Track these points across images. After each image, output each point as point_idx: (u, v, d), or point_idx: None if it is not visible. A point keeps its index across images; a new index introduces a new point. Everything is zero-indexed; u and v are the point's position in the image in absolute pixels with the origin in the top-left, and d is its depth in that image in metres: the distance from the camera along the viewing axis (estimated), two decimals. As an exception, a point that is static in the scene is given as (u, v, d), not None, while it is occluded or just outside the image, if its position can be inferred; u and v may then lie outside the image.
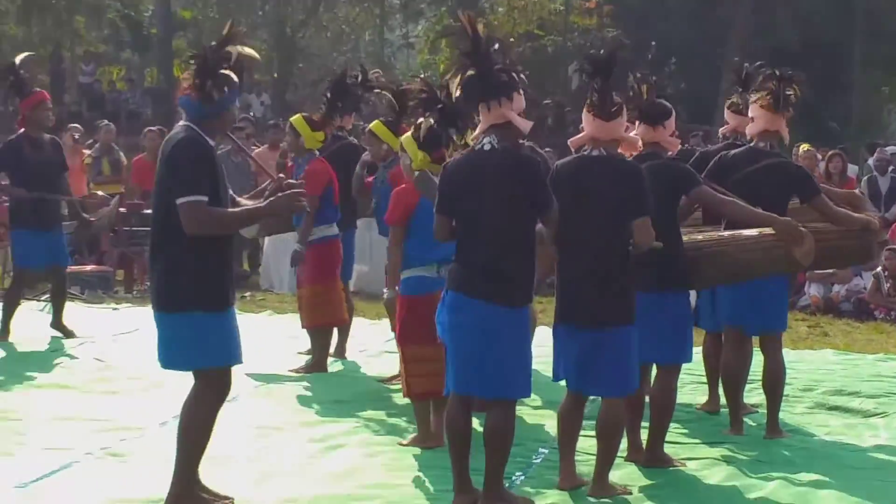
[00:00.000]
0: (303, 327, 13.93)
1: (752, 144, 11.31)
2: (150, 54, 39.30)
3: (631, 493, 9.47)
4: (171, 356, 8.59)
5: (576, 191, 8.95)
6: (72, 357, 14.35)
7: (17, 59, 16.32)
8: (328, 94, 14.43)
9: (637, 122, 10.22)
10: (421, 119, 10.25)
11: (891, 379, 14.00)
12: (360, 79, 15.15)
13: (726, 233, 10.42)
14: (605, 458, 9.42)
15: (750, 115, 11.38)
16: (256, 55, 8.81)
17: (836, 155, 21.81)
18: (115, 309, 17.75)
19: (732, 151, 11.35)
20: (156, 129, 24.35)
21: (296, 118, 13.94)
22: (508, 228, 8.76)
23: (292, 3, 42.24)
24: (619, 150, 9.75)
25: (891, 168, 23.16)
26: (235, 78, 8.38)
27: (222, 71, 8.28)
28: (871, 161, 24.14)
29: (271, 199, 8.63)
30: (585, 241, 9.06)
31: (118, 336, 15.46)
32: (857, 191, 20.48)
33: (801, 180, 11.02)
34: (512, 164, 8.84)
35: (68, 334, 15.22)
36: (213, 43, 8.64)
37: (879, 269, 19.28)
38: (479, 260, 8.82)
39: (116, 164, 22.76)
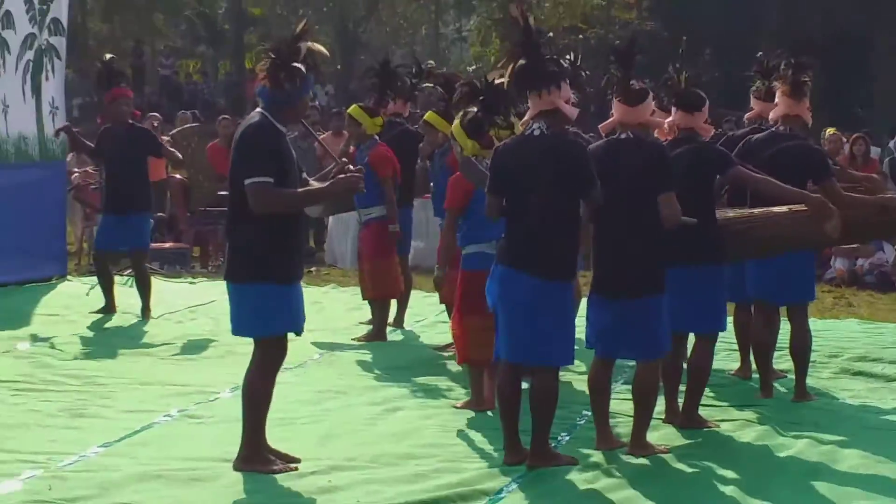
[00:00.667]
0: (363, 299, 14.03)
1: (774, 129, 11.36)
2: (223, 48, 39.34)
3: (668, 452, 9.45)
4: (239, 323, 8.76)
5: (605, 171, 8.91)
6: (153, 327, 14.36)
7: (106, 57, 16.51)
8: (376, 80, 14.61)
9: (674, 109, 10.22)
10: (466, 110, 10.36)
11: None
12: (414, 70, 15.33)
13: (756, 210, 10.40)
14: (642, 420, 9.46)
15: (775, 101, 11.44)
16: (325, 51, 8.97)
17: (860, 138, 21.78)
18: (192, 283, 17.84)
19: (756, 136, 11.44)
20: (229, 118, 24.52)
21: (353, 108, 14.08)
22: (554, 207, 8.80)
23: (374, 12, 42.29)
24: (657, 134, 9.86)
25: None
26: (306, 71, 8.55)
27: (294, 64, 8.44)
28: (892, 144, 24.19)
29: (333, 180, 8.75)
30: (616, 217, 9.07)
31: (195, 308, 15.52)
32: (880, 171, 20.71)
33: (816, 164, 10.96)
34: (559, 148, 8.91)
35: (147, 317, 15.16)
36: (287, 38, 8.89)
37: (897, 236, 19.23)
38: (526, 236, 8.87)
39: (190, 152, 22.91)
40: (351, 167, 9.03)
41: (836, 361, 12.71)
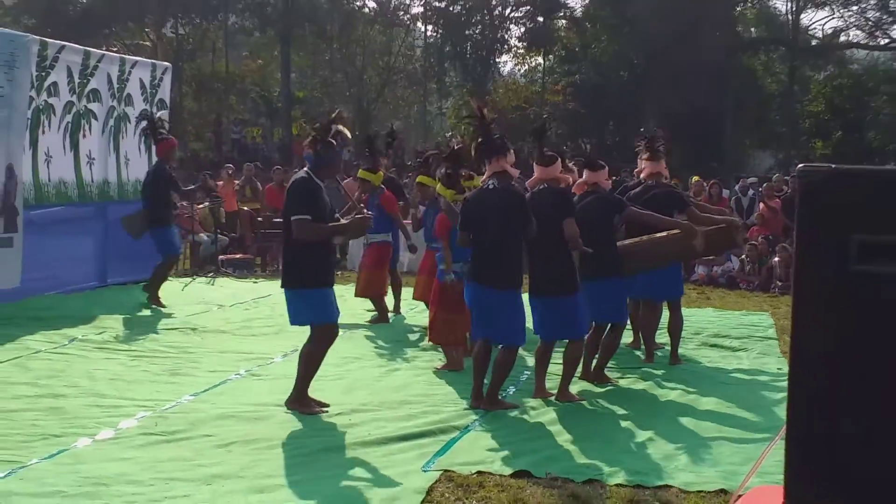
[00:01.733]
0: (355, 296, 14.13)
1: (643, 182, 11.64)
2: (277, 120, 39.24)
3: (584, 400, 9.67)
4: (296, 317, 9.01)
5: (532, 212, 9.20)
6: (228, 313, 14.37)
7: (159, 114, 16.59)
8: (367, 148, 14.64)
9: (585, 170, 10.65)
10: (443, 170, 11.03)
11: (749, 327, 14.05)
12: (392, 137, 15.91)
13: (645, 237, 10.68)
14: (567, 377, 9.78)
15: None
16: (348, 133, 9.30)
17: (715, 183, 22.23)
18: (255, 282, 17.72)
19: (632, 189, 11.71)
20: (280, 168, 24.54)
21: (361, 172, 14.23)
22: (504, 239, 9.18)
23: (367, 87, 41.99)
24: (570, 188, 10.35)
25: (750, 192, 23.38)
26: (336, 144, 8.99)
27: (329, 139, 8.92)
28: (737, 187, 24.48)
29: (350, 219, 9.18)
30: (539, 241, 9.33)
31: (257, 300, 15.47)
32: (728, 206, 21.11)
33: (676, 200, 11.28)
34: (507, 198, 9.24)
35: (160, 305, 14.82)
36: (324, 121, 9.30)
37: (744, 255, 19.54)
38: (487, 261, 9.26)
39: (255, 190, 22.84)
40: (365, 211, 9.49)
41: (698, 337, 12.86)
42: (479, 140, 9.69)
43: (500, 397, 9.50)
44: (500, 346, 9.51)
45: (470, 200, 9.59)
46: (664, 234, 10.80)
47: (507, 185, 9.39)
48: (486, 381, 9.31)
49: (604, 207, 10.30)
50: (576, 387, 9.99)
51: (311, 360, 9.01)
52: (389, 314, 14.22)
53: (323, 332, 9.01)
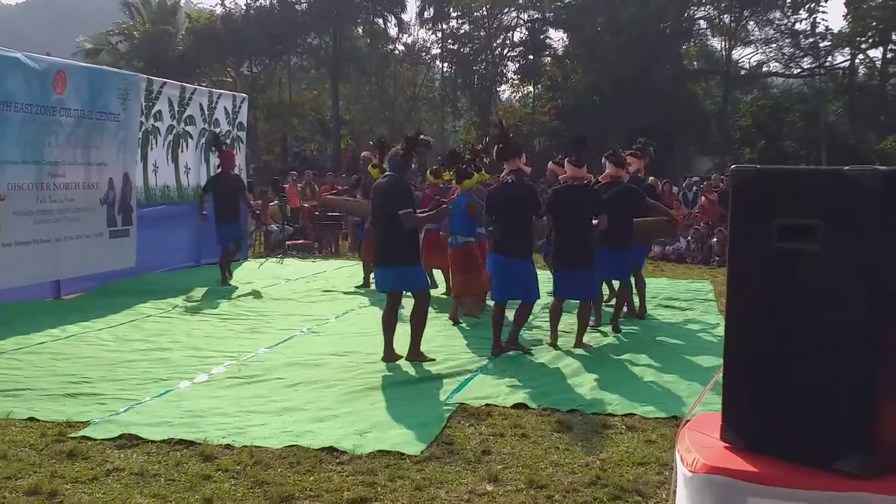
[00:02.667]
0: (454, 297, 12.85)
1: (617, 182, 11.00)
2: (329, 137, 39.27)
3: (595, 347, 9.63)
4: (400, 285, 9.02)
5: (561, 201, 9.66)
6: (293, 285, 14.25)
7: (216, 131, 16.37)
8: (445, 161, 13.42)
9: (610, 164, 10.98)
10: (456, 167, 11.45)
11: (694, 292, 13.93)
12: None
13: (645, 220, 11.11)
14: (581, 331, 9.85)
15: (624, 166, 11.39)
16: (430, 142, 9.81)
17: (667, 182, 22.26)
18: (314, 262, 17.69)
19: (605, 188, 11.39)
20: (332, 174, 24.66)
21: (447, 175, 13.02)
22: (520, 221, 9.31)
23: (398, 111, 41.92)
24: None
25: (694, 188, 23.37)
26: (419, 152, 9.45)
27: (413, 150, 9.12)
28: (684, 185, 24.46)
29: (435, 210, 9.53)
30: (565, 225, 9.64)
31: (315, 275, 15.40)
32: (677, 200, 21.20)
33: (639, 198, 10.96)
34: (522, 190, 9.42)
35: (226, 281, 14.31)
36: (407, 137, 9.46)
37: (690, 237, 19.52)
38: (507, 237, 9.34)
39: (313, 191, 22.76)
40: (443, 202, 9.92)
41: (655, 300, 12.68)
42: (500, 145, 9.80)
43: (517, 341, 9.54)
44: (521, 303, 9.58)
45: (493, 192, 9.73)
46: (655, 219, 11.34)
47: (521, 179, 9.55)
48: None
49: (634, 194, 10.80)
50: (587, 336, 9.96)
51: (420, 320, 9.01)
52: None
53: (424, 296, 9.04)
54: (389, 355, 8.89)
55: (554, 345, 9.72)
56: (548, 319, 10.15)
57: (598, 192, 10.25)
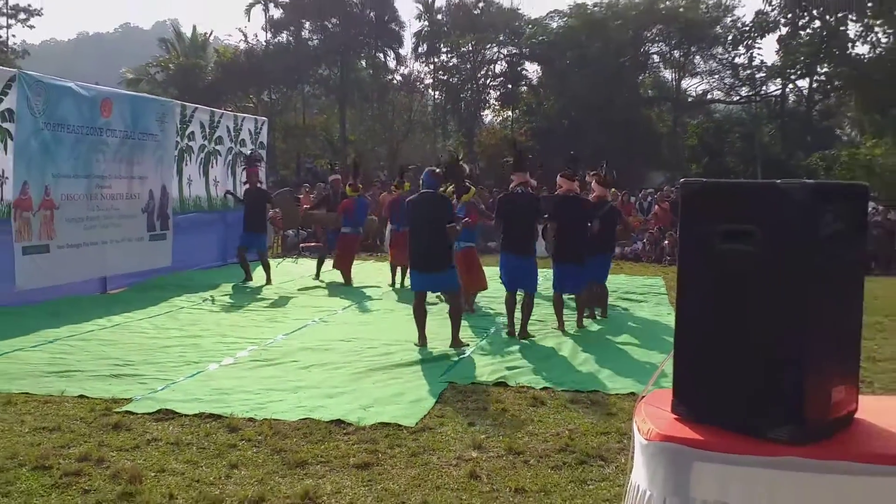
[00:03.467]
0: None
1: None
2: (337, 155, 39.21)
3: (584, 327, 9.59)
4: (435, 288, 9.23)
5: (559, 209, 9.84)
6: (303, 282, 14.24)
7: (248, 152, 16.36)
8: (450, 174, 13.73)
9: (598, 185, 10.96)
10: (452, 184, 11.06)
11: (648, 286, 14.02)
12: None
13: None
14: (581, 315, 10.23)
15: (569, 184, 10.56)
16: (466, 169, 10.56)
17: (626, 193, 22.10)
18: (323, 262, 17.70)
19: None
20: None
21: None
22: (526, 224, 9.46)
23: (396, 133, 41.70)
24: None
25: (648, 198, 23.41)
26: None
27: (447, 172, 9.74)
28: (640, 195, 24.48)
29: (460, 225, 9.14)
30: (564, 230, 9.75)
31: (324, 272, 15.29)
32: (634, 208, 21.15)
33: (619, 216, 11.19)
34: (528, 200, 9.50)
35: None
36: (444, 162, 10.37)
37: (645, 240, 19.56)
38: (516, 239, 9.44)
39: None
40: (465, 219, 9.68)
41: (615, 294, 12.70)
42: (512, 161, 10.06)
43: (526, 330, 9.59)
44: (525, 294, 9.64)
45: (503, 200, 9.79)
46: (621, 227, 11.55)
47: (527, 191, 9.64)
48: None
49: (615, 213, 11.01)
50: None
51: (458, 313, 8.97)
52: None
53: (457, 294, 9.03)
54: (422, 341, 8.90)
55: (561, 328, 9.89)
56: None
57: (594, 205, 10.47)
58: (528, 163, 10.29)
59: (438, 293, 10.04)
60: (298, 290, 13.28)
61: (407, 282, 13.81)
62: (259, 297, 12.51)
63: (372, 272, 15.55)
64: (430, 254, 8.72)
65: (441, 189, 11.35)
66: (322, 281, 14.32)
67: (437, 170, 9.46)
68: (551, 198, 11.02)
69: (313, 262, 15.58)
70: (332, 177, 15.41)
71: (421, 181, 9.31)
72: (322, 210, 14.99)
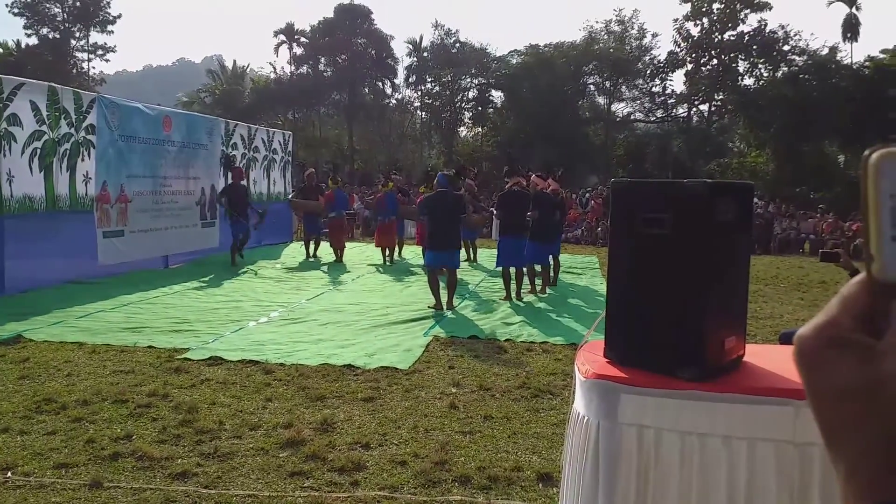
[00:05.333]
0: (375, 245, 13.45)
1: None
2: (346, 161, 38.87)
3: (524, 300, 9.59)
4: (449, 264, 8.75)
5: (537, 201, 9.61)
6: (323, 258, 14.20)
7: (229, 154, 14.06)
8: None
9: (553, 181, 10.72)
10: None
11: (586, 263, 14.02)
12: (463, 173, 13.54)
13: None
14: (520, 284, 9.73)
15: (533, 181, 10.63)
16: (473, 171, 10.92)
17: (569, 191, 21.98)
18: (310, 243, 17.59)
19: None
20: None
21: (422, 189, 12.73)
22: (520, 215, 9.30)
23: (392, 144, 41.46)
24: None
25: (586, 195, 23.34)
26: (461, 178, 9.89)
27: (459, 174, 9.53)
28: (580, 193, 24.35)
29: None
30: (541, 218, 9.52)
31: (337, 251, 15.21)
32: (576, 203, 20.96)
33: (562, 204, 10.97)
34: (521, 196, 9.42)
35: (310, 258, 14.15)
36: (457, 165, 10.02)
37: (583, 228, 19.52)
38: (512, 224, 9.26)
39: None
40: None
41: (561, 269, 12.72)
42: (507, 168, 9.98)
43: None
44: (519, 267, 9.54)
45: (504, 195, 9.57)
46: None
47: (521, 189, 9.52)
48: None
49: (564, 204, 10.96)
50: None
51: (454, 284, 8.89)
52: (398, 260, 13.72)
53: (456, 269, 8.94)
54: (439, 306, 8.71)
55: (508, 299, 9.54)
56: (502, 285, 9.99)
57: (555, 198, 10.17)
58: (519, 169, 10.11)
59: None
60: (314, 266, 13.22)
61: (400, 259, 13.88)
62: (286, 270, 12.42)
63: (369, 253, 15.45)
64: (446, 238, 8.62)
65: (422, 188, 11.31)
66: (319, 258, 13.97)
67: (450, 172, 9.41)
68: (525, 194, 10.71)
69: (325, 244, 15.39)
70: (307, 171, 14.91)
71: (436, 181, 9.19)
72: (300, 198, 14.45)
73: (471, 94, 41.21)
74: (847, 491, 0.43)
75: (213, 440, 4.32)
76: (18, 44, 42.32)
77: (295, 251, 15.29)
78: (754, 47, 34.59)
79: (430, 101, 41.88)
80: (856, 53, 63.34)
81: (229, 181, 13.06)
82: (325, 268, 12.90)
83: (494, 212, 11.54)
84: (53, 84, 9.97)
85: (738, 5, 35.03)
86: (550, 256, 10.41)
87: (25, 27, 42.85)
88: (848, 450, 0.44)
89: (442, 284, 9.03)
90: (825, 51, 33.10)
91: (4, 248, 8.91)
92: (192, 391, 5.30)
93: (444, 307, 8.75)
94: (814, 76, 31.58)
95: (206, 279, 11.07)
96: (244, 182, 13.25)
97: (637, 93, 38.75)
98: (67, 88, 10.32)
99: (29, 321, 7.48)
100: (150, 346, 6.62)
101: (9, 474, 3.75)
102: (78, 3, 43.53)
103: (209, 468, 3.90)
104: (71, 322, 7.57)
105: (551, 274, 10.70)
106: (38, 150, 9.56)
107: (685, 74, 36.91)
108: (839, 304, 0.48)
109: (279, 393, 5.30)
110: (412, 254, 14.41)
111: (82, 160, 10.36)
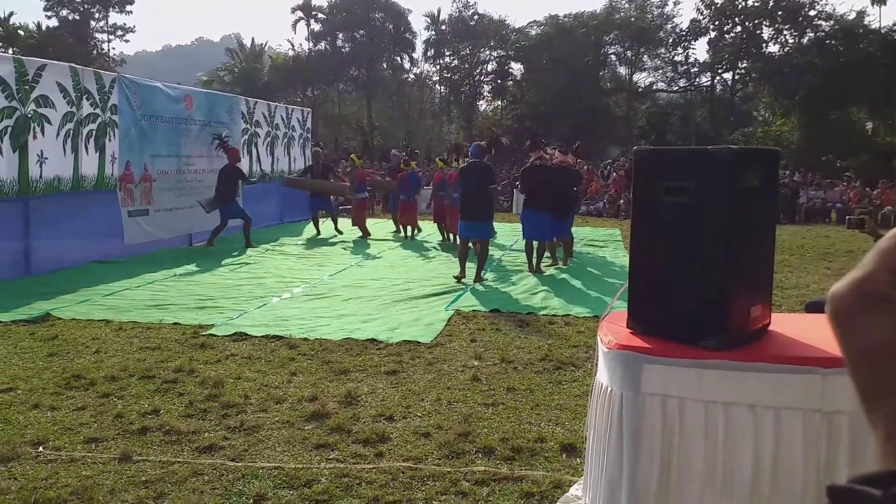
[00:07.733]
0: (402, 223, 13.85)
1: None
2: (365, 137, 38.92)
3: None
4: (479, 235, 8.81)
5: (559, 175, 9.66)
6: (347, 234, 13.97)
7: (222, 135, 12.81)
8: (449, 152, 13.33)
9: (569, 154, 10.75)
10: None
11: (608, 235, 13.94)
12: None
13: None
14: (541, 256, 9.77)
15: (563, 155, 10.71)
16: (505, 142, 10.13)
17: (591, 164, 21.81)
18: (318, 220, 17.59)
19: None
20: (368, 161, 23.93)
21: (438, 161, 12.96)
22: (544, 189, 9.29)
23: (411, 119, 41.27)
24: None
25: (609, 167, 23.11)
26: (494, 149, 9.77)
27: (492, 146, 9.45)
28: (602, 165, 24.15)
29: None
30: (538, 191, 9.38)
31: (353, 229, 15.24)
32: (597, 175, 20.77)
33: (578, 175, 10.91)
34: (545, 170, 9.43)
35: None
36: (490, 139, 9.84)
37: (605, 200, 19.35)
38: (539, 199, 9.25)
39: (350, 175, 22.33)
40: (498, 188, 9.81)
41: (582, 241, 12.67)
42: (528, 142, 9.93)
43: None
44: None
45: (527, 169, 9.60)
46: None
47: (543, 163, 9.51)
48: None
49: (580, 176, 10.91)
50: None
51: (485, 255, 8.94)
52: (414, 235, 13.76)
53: (488, 241, 9.02)
54: (462, 275, 8.84)
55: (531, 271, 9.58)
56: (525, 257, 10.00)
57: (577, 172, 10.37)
58: (540, 142, 10.05)
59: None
60: (335, 243, 13.27)
61: (419, 236, 13.87)
62: (308, 247, 12.47)
63: (390, 229, 15.44)
64: (478, 208, 8.68)
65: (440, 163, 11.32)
66: (341, 231, 13.98)
67: (486, 145, 9.36)
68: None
69: (348, 221, 15.37)
70: (313, 149, 14.99)
71: (469, 152, 9.27)
72: (306, 177, 14.35)
73: (490, 67, 40.81)
74: (888, 449, 0.41)
75: (239, 414, 4.37)
76: (39, 26, 42.61)
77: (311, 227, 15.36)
78: (779, 13, 33.74)
79: (448, 75, 41.54)
80: (884, 17, 61.90)
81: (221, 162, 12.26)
82: (348, 244, 12.94)
83: (518, 186, 11.47)
84: (74, 65, 10.02)
85: (762, -30, 34.24)
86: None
87: (45, 9, 43.09)
88: (888, 408, 0.42)
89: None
90: (852, 15, 32.27)
91: (30, 230, 9.04)
92: (218, 366, 5.36)
93: (473, 279, 8.78)
94: (840, 42, 30.88)
95: (230, 257, 11.15)
96: (239, 164, 12.49)
97: (659, 62, 38.13)
98: (88, 69, 10.36)
99: (56, 300, 7.59)
100: (175, 323, 6.70)
101: (41, 449, 3.83)
102: (97, -16, 43.64)
103: (235, 441, 3.95)
104: (98, 300, 7.67)
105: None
106: (71, 132, 9.68)
107: (708, 42, 36.17)
108: (876, 258, 0.46)
109: (303, 367, 5.34)
110: (431, 230, 14.41)
111: (109, 140, 10.44)
